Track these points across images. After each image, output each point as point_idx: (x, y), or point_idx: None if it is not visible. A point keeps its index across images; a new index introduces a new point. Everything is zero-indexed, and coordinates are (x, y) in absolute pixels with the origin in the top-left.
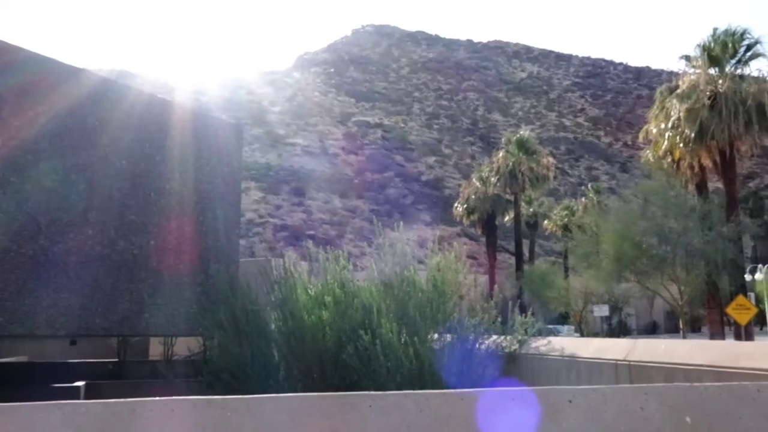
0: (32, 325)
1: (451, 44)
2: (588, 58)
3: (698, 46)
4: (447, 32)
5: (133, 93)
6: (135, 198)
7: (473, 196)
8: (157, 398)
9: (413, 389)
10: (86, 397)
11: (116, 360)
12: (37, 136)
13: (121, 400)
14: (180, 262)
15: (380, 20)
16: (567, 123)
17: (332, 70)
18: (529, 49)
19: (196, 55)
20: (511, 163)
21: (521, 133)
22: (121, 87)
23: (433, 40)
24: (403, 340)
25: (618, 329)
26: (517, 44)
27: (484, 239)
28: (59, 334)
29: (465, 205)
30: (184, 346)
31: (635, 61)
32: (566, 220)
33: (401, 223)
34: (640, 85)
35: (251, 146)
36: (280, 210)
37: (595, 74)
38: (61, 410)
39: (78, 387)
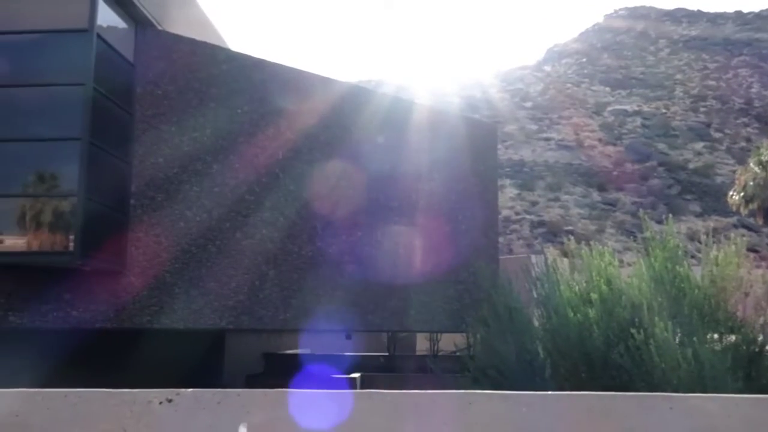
0: (313, 320)
1: (717, 18)
2: None
3: None
4: (711, 6)
5: (388, 99)
6: (397, 200)
7: (751, 183)
8: (453, 391)
9: (692, 392)
10: (362, 388)
11: (387, 354)
12: (311, 146)
13: (420, 391)
14: (442, 260)
15: (634, 2)
16: None
17: (584, 59)
18: None
19: (442, 56)
20: None
21: None
22: (377, 95)
23: (695, 16)
24: (678, 339)
25: None
26: None
27: (766, 230)
28: (337, 328)
29: (742, 193)
30: (449, 341)
31: None
32: None
33: (670, 215)
34: None
35: (504, 143)
36: (537, 206)
37: None
38: (371, 398)
39: (355, 378)
